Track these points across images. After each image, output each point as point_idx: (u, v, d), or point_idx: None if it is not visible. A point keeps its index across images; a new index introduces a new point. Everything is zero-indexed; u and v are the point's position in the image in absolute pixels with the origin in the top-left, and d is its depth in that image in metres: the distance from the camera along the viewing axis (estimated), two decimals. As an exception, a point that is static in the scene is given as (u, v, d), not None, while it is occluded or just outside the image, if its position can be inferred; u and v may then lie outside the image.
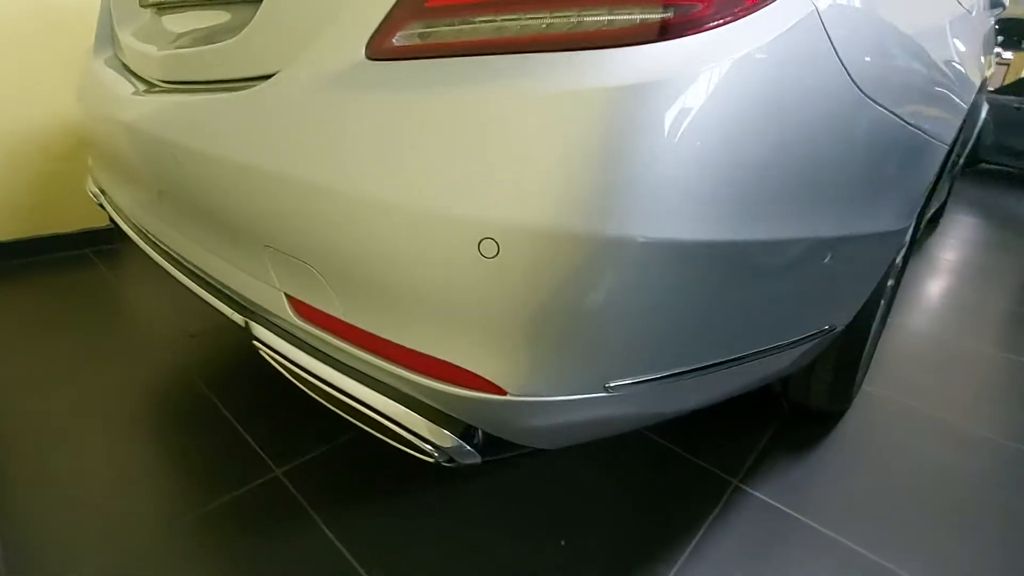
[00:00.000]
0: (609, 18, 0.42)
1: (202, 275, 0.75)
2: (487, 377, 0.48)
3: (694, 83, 0.42)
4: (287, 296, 0.59)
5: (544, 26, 0.43)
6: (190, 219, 0.70)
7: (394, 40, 0.49)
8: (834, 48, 0.49)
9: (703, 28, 0.42)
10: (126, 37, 0.96)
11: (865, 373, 1.32)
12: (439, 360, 0.49)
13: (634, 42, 0.42)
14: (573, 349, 0.47)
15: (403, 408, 0.53)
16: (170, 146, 0.66)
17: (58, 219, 1.77)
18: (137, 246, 0.93)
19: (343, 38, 0.52)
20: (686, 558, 0.85)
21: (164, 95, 0.75)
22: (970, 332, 1.73)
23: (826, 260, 0.62)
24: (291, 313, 0.59)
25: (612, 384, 0.51)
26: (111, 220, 1.08)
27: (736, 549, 0.87)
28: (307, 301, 0.57)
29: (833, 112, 0.52)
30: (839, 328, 0.88)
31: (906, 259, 1.33)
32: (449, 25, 0.46)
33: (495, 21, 0.44)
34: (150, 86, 0.83)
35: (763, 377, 0.78)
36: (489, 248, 0.43)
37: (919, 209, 0.94)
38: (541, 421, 0.52)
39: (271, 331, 0.63)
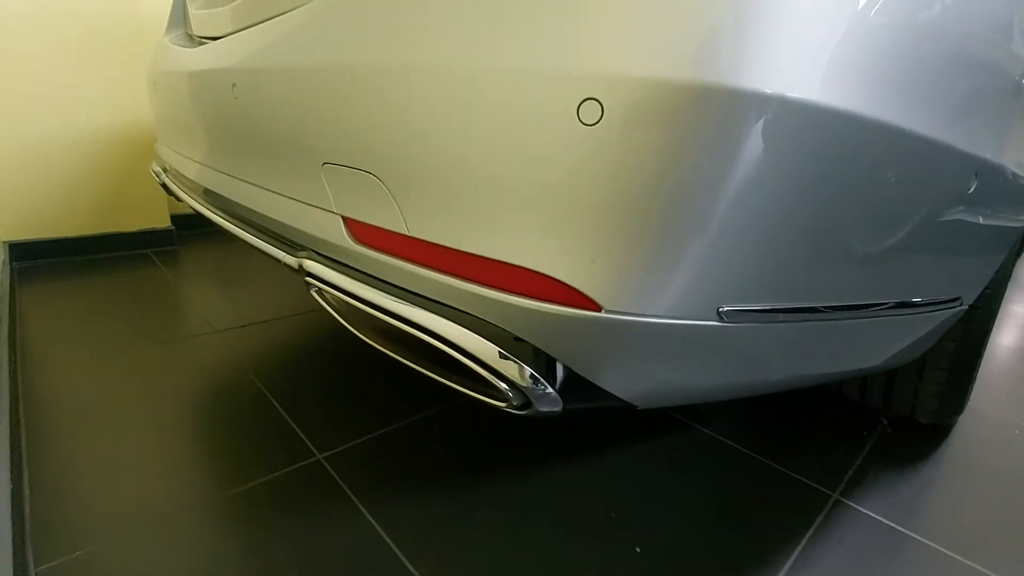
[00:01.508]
0: None
1: (257, 221, 0.70)
2: (578, 287, 0.40)
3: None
4: (344, 219, 0.53)
5: None
6: (247, 157, 0.67)
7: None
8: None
9: None
10: (195, 10, 0.97)
11: (975, 381, 1.15)
12: (520, 268, 0.41)
13: None
14: (688, 249, 0.38)
15: (473, 335, 0.45)
16: (231, 75, 0.63)
17: (122, 219, 1.82)
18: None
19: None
20: (786, 573, 0.71)
21: (224, 41, 0.74)
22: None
23: (971, 189, 0.52)
24: (348, 238, 0.53)
25: (727, 309, 0.42)
26: (169, 191, 1.07)
27: (844, 566, 0.73)
28: (366, 220, 0.51)
29: (1008, 25, 0.44)
30: (964, 305, 0.75)
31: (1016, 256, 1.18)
32: None
33: None
34: (212, 40, 0.82)
35: (873, 356, 0.66)
36: (591, 112, 0.35)
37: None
38: (637, 353, 0.43)
39: (324, 264, 0.57)
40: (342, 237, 0.54)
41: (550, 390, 0.45)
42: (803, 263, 0.44)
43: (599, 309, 0.40)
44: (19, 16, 1.53)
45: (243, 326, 1.37)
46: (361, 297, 0.52)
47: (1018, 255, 1.18)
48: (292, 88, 0.54)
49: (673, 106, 0.34)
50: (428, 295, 0.48)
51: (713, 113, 0.34)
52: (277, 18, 0.61)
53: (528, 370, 0.45)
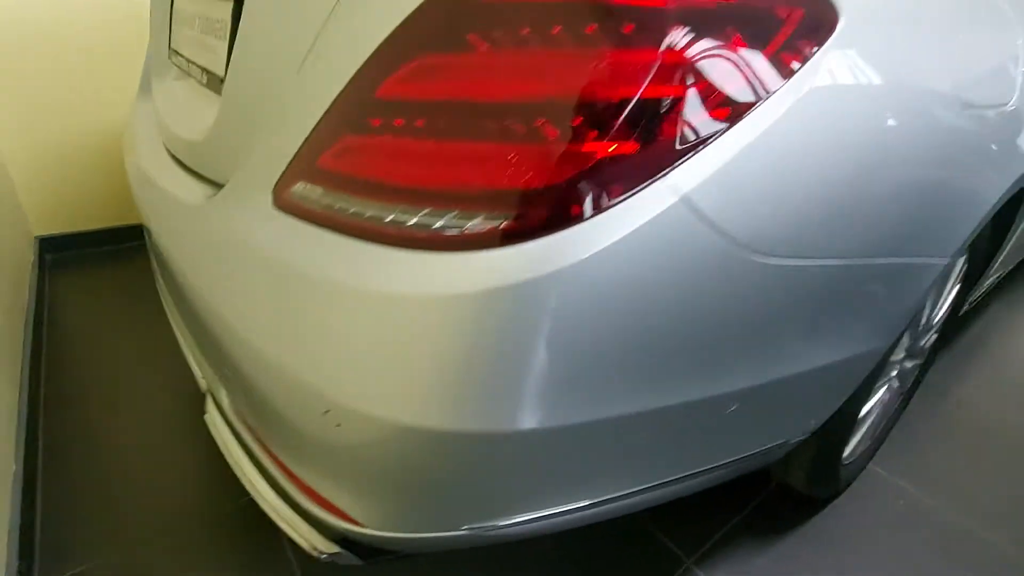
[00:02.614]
0: (441, 222, 0.43)
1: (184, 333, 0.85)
2: (344, 510, 0.53)
3: (530, 290, 0.42)
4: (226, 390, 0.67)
5: (387, 221, 0.45)
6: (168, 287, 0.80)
7: (290, 194, 0.53)
8: (715, 226, 0.47)
9: (542, 234, 0.43)
10: (156, 88, 1.06)
11: (872, 456, 1.22)
12: (307, 484, 0.55)
13: (468, 248, 0.43)
14: (419, 506, 0.51)
15: (293, 514, 0.60)
16: (152, 216, 0.76)
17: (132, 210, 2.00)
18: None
19: (259, 175, 0.57)
20: (608, 639, 0.87)
21: (170, 170, 0.83)
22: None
23: (733, 408, 0.61)
24: (228, 405, 0.67)
25: (471, 527, 0.55)
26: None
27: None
28: (233, 400, 0.65)
29: (724, 287, 0.50)
30: (802, 437, 0.84)
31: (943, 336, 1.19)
32: (325, 195, 0.50)
33: (354, 205, 0.47)
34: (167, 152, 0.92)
35: (683, 492, 0.77)
36: (333, 419, 0.47)
37: (915, 318, 0.85)
38: (409, 545, 0.57)
39: (218, 412, 0.72)
40: (224, 401, 0.68)
41: (351, 554, 0.60)
42: (546, 499, 0.56)
43: (364, 526, 0.54)
44: (40, 25, 1.65)
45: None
46: (230, 452, 0.67)
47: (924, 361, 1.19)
48: (169, 271, 0.66)
49: (382, 435, 0.45)
50: (269, 471, 0.63)
51: (413, 444, 0.45)
52: (181, 189, 0.72)
53: (333, 545, 0.59)
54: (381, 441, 0.46)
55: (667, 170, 0.44)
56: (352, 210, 0.47)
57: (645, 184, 0.43)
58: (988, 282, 1.39)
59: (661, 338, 0.49)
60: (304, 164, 0.51)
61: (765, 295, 0.53)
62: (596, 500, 0.61)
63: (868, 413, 1.04)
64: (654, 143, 0.43)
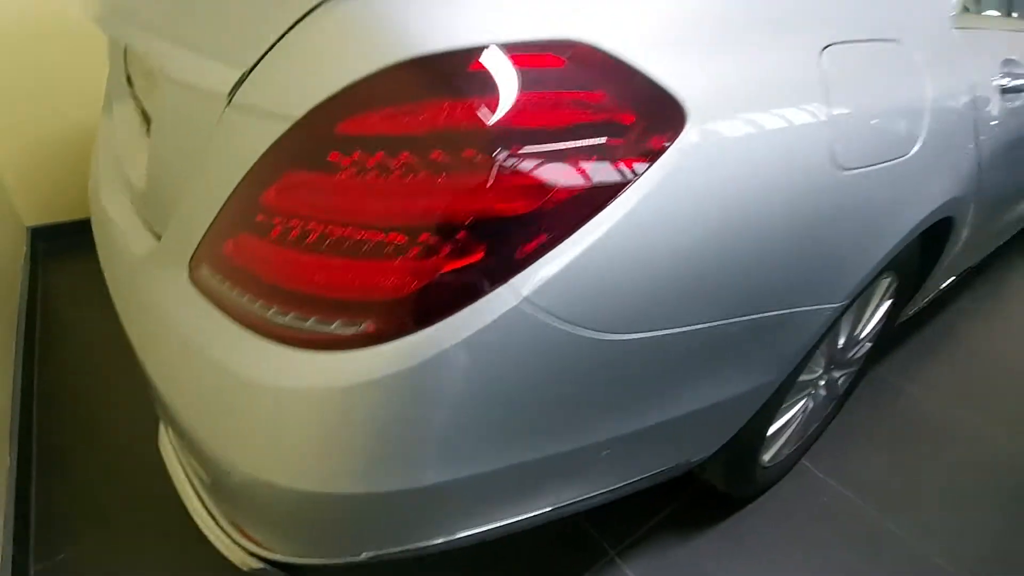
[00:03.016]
0: (306, 325, 0.50)
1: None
2: (256, 539, 0.63)
3: (382, 387, 0.49)
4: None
5: (266, 317, 0.52)
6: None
7: (200, 274, 0.60)
8: (560, 318, 0.52)
9: (393, 338, 0.49)
10: (116, 112, 1.10)
11: (801, 455, 1.30)
12: (227, 514, 0.65)
13: (328, 348, 0.50)
14: (313, 542, 0.60)
15: (226, 538, 0.69)
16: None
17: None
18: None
19: (179, 245, 0.63)
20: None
21: (125, 211, 0.89)
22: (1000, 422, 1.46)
23: (606, 452, 0.68)
24: (171, 435, 0.76)
25: (368, 554, 0.64)
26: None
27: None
28: (171, 433, 0.74)
29: (579, 365, 0.57)
30: (704, 456, 0.91)
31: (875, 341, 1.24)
32: (223, 282, 0.56)
33: (244, 297, 0.54)
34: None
35: (589, 507, 0.85)
36: (234, 476, 0.56)
37: (818, 347, 0.90)
38: (315, 566, 0.67)
39: (168, 440, 0.81)
40: (169, 433, 0.77)
41: (276, 571, 0.70)
42: (440, 526, 0.64)
43: (275, 551, 0.63)
44: (30, 13, 1.69)
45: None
46: (175, 476, 0.76)
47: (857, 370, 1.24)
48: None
49: (261, 493, 0.54)
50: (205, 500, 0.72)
51: (287, 500, 0.54)
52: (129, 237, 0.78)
53: (259, 562, 0.69)
54: (269, 497, 0.54)
55: (510, 277, 0.50)
56: (243, 301, 0.54)
57: (489, 290, 0.49)
58: (933, 292, 1.42)
59: (520, 412, 0.56)
60: (210, 248, 0.58)
61: (623, 366, 0.60)
62: (491, 527, 0.69)
63: (787, 424, 1.11)
64: (495, 254, 0.49)
